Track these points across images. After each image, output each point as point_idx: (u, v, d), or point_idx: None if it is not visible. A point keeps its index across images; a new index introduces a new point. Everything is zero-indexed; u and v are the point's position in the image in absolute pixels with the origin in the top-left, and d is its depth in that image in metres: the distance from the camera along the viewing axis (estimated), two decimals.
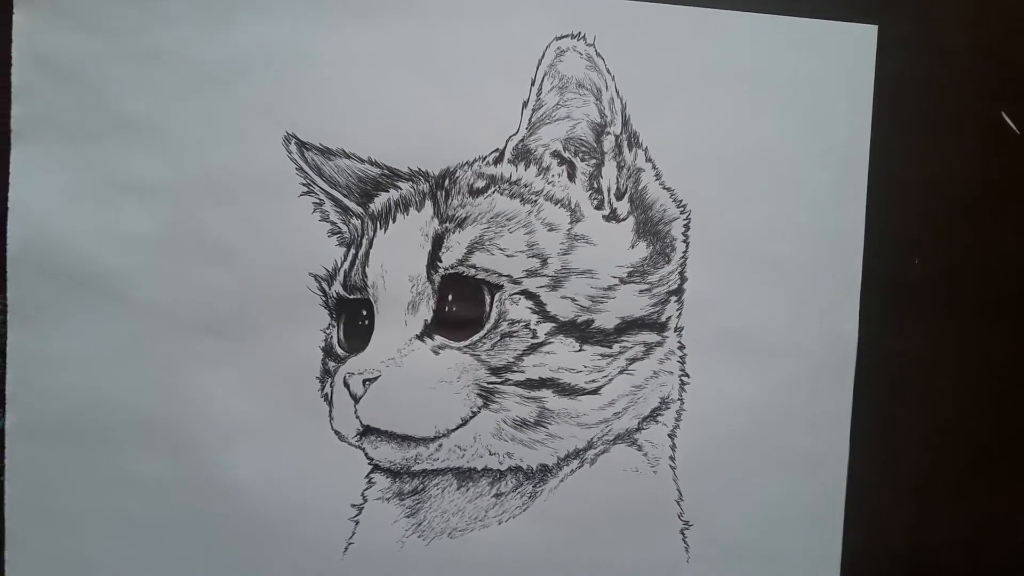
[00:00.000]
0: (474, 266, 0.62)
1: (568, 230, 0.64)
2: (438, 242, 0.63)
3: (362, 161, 0.63)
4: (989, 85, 0.68)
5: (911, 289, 0.68)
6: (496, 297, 0.63)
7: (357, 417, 0.63)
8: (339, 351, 0.64)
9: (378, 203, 0.64)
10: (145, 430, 0.64)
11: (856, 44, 0.66)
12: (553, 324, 0.63)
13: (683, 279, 0.66)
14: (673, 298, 0.66)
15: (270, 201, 0.63)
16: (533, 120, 0.64)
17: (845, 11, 0.66)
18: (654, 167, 0.65)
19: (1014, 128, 0.68)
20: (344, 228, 0.64)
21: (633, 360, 0.65)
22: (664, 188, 0.65)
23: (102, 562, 0.65)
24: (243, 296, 0.63)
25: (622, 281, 0.64)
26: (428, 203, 0.63)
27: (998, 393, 0.70)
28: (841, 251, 0.67)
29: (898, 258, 0.68)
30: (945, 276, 0.69)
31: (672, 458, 0.67)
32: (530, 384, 0.64)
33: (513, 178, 0.64)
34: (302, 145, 0.63)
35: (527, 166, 0.64)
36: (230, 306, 0.63)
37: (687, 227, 0.66)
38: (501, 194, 0.63)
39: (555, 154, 0.64)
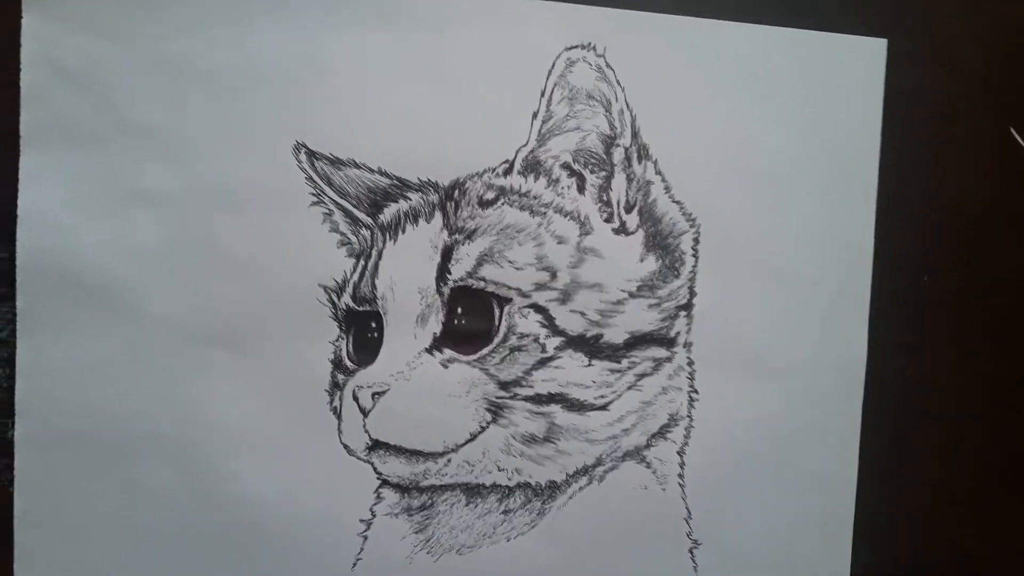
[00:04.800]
0: (483, 278, 0.62)
1: (577, 243, 0.64)
2: (447, 254, 0.63)
3: (372, 171, 0.63)
4: (999, 101, 0.68)
5: (920, 306, 0.68)
6: (505, 310, 0.63)
7: (366, 431, 0.63)
8: (348, 364, 0.64)
9: (387, 214, 0.64)
10: (154, 441, 0.64)
11: (866, 58, 0.66)
12: (562, 338, 0.63)
13: (692, 294, 0.66)
14: (682, 313, 0.65)
15: (280, 211, 0.63)
16: (543, 131, 0.64)
17: (855, 25, 0.66)
18: (663, 180, 0.65)
19: (1023, 144, 0.68)
20: (353, 239, 0.64)
21: (642, 376, 0.65)
22: (674, 201, 0.65)
23: (111, 573, 0.64)
24: (253, 307, 0.63)
25: (631, 295, 0.64)
26: (437, 214, 0.63)
27: (1007, 411, 0.69)
28: (850, 267, 0.67)
29: (907, 275, 0.68)
30: (954, 293, 0.68)
31: (681, 475, 0.67)
32: (539, 399, 0.63)
33: (523, 190, 0.64)
34: (312, 155, 0.63)
35: (536, 178, 0.64)
36: (240, 317, 0.63)
37: (696, 241, 0.65)
38: (510, 206, 0.63)
39: (565, 166, 0.64)
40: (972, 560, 0.70)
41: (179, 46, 0.62)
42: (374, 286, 0.63)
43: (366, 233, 0.64)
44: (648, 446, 0.66)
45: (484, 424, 0.63)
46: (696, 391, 0.66)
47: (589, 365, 0.64)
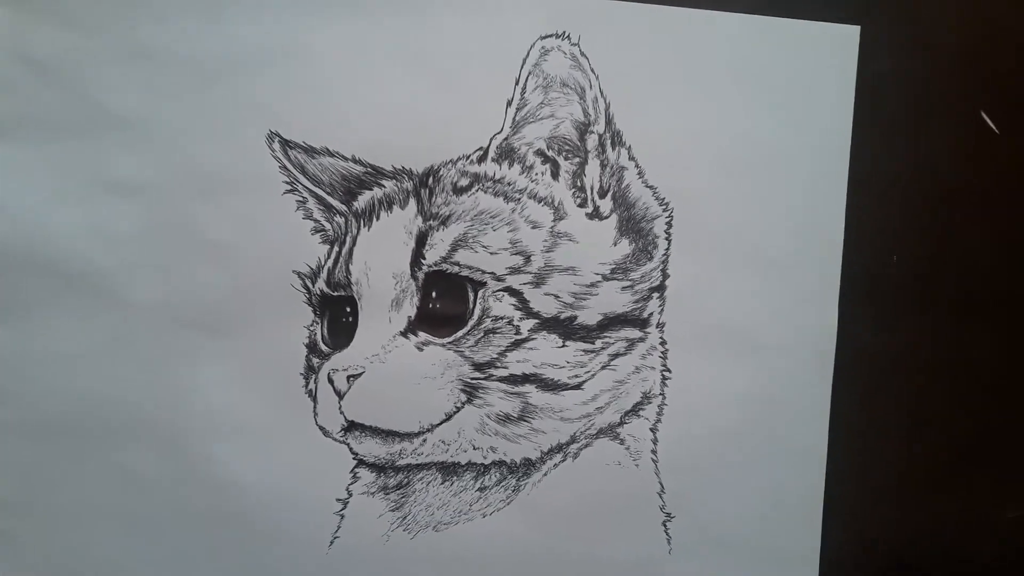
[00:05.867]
0: (458, 263, 0.62)
1: (551, 228, 0.64)
2: (422, 240, 0.63)
3: (346, 159, 0.63)
4: (970, 85, 0.68)
5: (890, 284, 0.69)
6: (480, 294, 0.63)
7: (341, 413, 0.63)
8: (323, 348, 0.64)
9: (362, 201, 0.64)
10: (131, 426, 0.64)
11: (839, 45, 0.66)
12: (536, 320, 0.64)
13: (665, 276, 0.66)
14: (655, 294, 0.66)
15: (254, 198, 0.63)
16: (517, 119, 0.64)
17: (828, 12, 0.66)
18: (637, 165, 0.65)
19: (993, 128, 0.68)
20: (328, 226, 0.64)
21: (615, 356, 0.65)
22: (647, 186, 0.65)
23: (91, 558, 0.65)
24: (227, 293, 0.63)
25: (605, 278, 0.65)
26: (412, 201, 0.63)
27: (976, 387, 0.70)
28: (821, 247, 0.67)
29: (877, 254, 0.68)
30: (923, 272, 0.69)
31: (654, 451, 0.67)
32: (513, 380, 0.64)
33: (497, 176, 0.64)
34: (285, 144, 0.63)
35: (511, 164, 0.64)
36: (216, 303, 0.63)
37: (669, 224, 0.66)
38: (485, 192, 0.63)
39: (539, 153, 0.64)
40: (942, 533, 0.71)
41: (152, 35, 0.62)
42: (348, 272, 0.63)
43: (340, 220, 0.64)
44: (621, 423, 0.67)
45: (459, 404, 0.64)
46: (669, 370, 0.67)
47: (563, 346, 0.64)
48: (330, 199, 0.63)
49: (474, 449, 0.65)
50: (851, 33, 0.66)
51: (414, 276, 0.63)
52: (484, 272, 0.63)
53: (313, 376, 0.64)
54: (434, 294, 0.63)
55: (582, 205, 0.65)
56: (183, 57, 0.62)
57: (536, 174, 0.64)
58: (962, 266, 0.69)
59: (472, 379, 0.63)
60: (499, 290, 0.63)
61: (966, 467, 0.71)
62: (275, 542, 0.66)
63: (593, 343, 0.65)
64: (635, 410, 0.67)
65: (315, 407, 0.64)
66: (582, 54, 0.64)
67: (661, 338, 0.66)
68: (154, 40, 0.62)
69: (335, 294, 0.64)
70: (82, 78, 0.62)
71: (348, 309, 0.64)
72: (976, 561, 0.71)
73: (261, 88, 0.63)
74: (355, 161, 0.63)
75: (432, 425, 0.64)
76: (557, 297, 0.64)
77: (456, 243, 0.63)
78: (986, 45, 0.68)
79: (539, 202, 0.64)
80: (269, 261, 0.63)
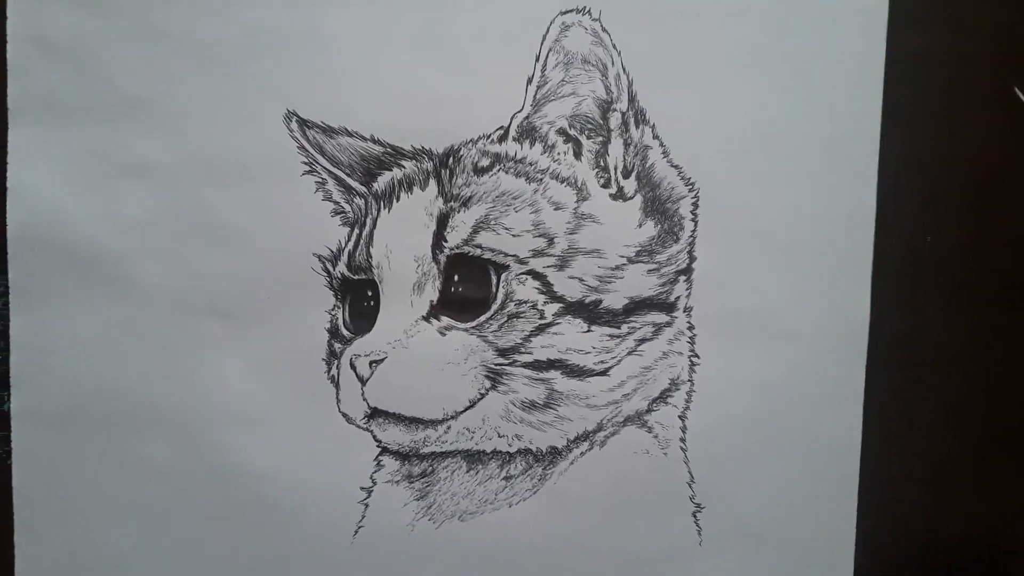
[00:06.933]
0: (480, 246, 0.62)
1: (575, 209, 0.63)
2: (443, 222, 0.62)
3: (364, 139, 0.63)
4: (1001, 60, 0.67)
5: (923, 268, 0.67)
6: (502, 277, 0.62)
7: (364, 399, 0.63)
8: (345, 332, 0.64)
9: (381, 182, 0.64)
10: (150, 414, 0.64)
11: (867, 19, 0.65)
12: (561, 304, 0.63)
13: (692, 258, 0.65)
14: (682, 278, 0.65)
15: (273, 181, 0.63)
16: (538, 97, 0.63)
17: None
18: (661, 144, 0.64)
19: None
20: (347, 208, 0.64)
21: (642, 341, 0.65)
22: (672, 166, 0.64)
23: (111, 546, 0.65)
24: (247, 278, 0.63)
25: (630, 260, 0.64)
26: (432, 182, 0.63)
27: (1013, 373, 0.69)
28: (852, 229, 0.66)
29: (910, 236, 0.67)
30: (957, 254, 0.68)
31: (683, 440, 0.66)
32: (538, 365, 0.63)
33: (518, 156, 0.63)
34: (303, 123, 0.63)
35: (532, 144, 0.63)
36: (234, 288, 0.64)
37: (696, 205, 0.65)
38: (506, 173, 0.63)
39: (561, 132, 0.63)
40: (980, 525, 0.70)
41: (168, 16, 0.62)
42: (369, 255, 0.63)
43: (360, 202, 0.64)
44: (649, 411, 0.66)
45: (483, 391, 0.63)
46: (697, 355, 0.66)
47: (588, 331, 0.64)
48: (349, 180, 0.63)
49: (499, 437, 0.64)
50: (880, 7, 0.65)
51: (436, 259, 0.62)
52: (507, 255, 0.62)
53: (336, 362, 0.64)
54: (456, 277, 0.62)
55: (606, 185, 0.64)
56: (199, 39, 0.62)
57: (558, 154, 0.64)
58: (998, 247, 0.68)
59: (496, 365, 0.63)
60: (522, 273, 0.62)
61: (1005, 456, 0.70)
62: (299, 532, 0.66)
63: (619, 328, 0.64)
64: (663, 397, 0.66)
65: (338, 393, 0.64)
66: (603, 30, 0.63)
67: (689, 323, 0.66)
68: (169, 22, 0.62)
69: (356, 277, 0.63)
70: (98, 61, 0.62)
71: (370, 293, 0.64)
72: (1016, 552, 0.70)
73: (278, 70, 0.63)
74: (374, 141, 0.63)
75: (456, 412, 0.63)
76: (582, 280, 0.63)
77: (478, 225, 0.62)
78: (1019, 19, 0.67)
79: (562, 182, 0.63)
80: (288, 244, 0.63)
